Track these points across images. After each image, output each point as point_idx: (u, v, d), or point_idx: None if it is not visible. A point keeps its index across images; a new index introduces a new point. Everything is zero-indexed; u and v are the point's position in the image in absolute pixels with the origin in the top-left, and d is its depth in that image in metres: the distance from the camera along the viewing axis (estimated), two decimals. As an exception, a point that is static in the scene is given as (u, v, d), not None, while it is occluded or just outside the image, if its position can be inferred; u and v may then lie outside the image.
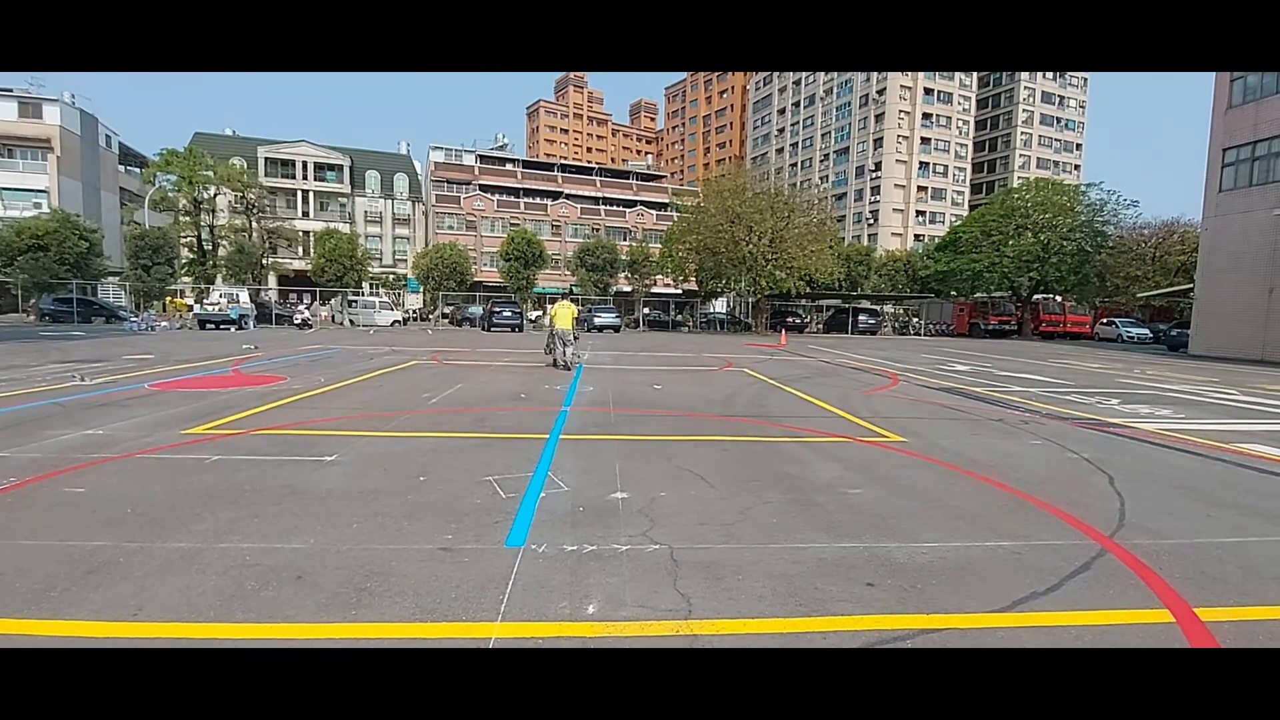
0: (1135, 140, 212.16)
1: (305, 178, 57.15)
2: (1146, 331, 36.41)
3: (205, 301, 31.12)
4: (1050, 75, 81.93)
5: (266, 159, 55.70)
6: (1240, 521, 4.46)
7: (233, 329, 28.55)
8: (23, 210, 41.49)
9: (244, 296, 32.07)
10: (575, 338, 14.61)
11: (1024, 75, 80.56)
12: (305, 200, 57.10)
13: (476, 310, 39.44)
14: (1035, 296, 42.93)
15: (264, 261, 42.85)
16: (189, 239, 41.45)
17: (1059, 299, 44.16)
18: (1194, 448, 7.02)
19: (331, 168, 58.00)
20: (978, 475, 5.52)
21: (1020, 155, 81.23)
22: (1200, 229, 27.44)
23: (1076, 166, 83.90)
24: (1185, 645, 2.75)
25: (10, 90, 45.76)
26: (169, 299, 32.43)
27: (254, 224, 43.84)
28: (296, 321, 33.06)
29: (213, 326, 28.84)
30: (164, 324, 30.47)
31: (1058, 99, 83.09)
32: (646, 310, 45.30)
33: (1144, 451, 6.81)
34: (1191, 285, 28.67)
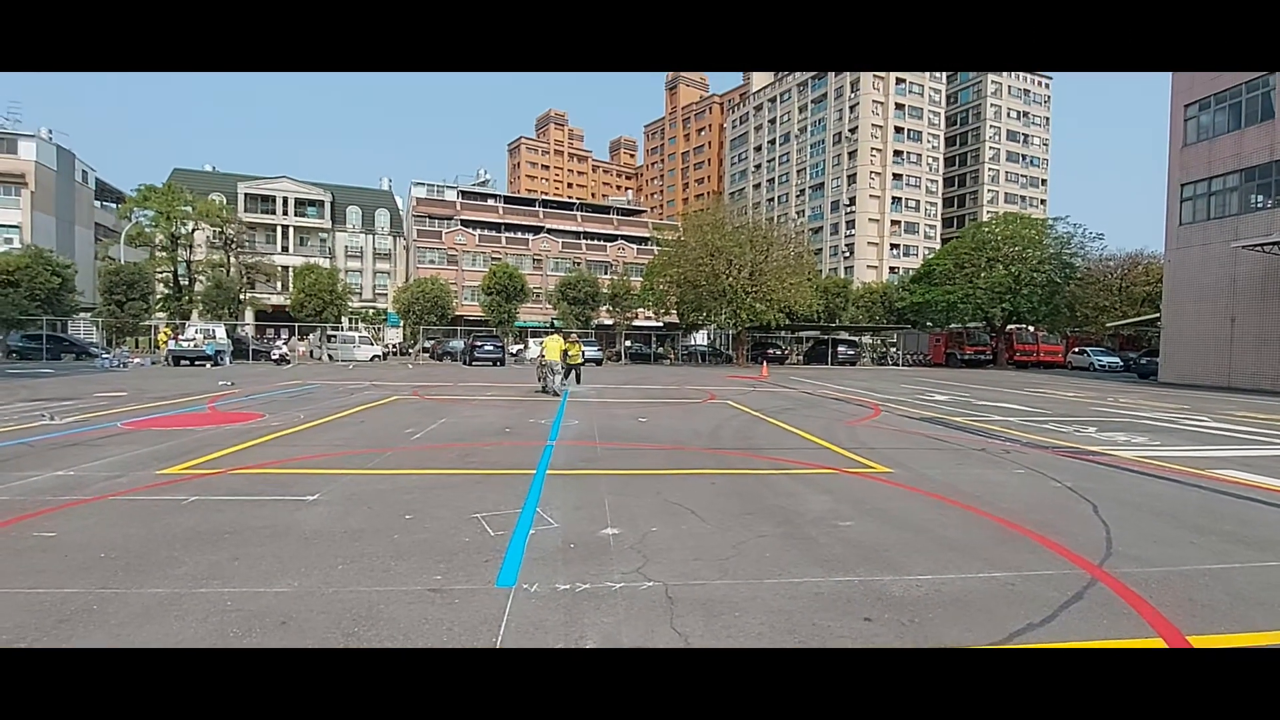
0: (1095, 177, 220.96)
1: (286, 213, 57.02)
2: (1117, 360, 37.33)
3: (180, 337, 30.46)
4: (1013, 114, 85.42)
5: (246, 194, 55.57)
6: (1222, 548, 4.54)
7: (208, 365, 28.01)
8: (-7, 246, 40.74)
9: (220, 332, 31.50)
10: (563, 368, 16.61)
11: (989, 114, 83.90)
12: (285, 235, 56.88)
13: (458, 344, 39.20)
14: (1009, 327, 43.90)
15: (241, 296, 42.38)
16: (165, 274, 40.94)
17: (1032, 329, 45.19)
18: (1171, 474, 7.16)
19: (312, 203, 57.99)
20: (966, 505, 5.56)
21: (988, 190, 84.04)
22: (1164, 260, 28.44)
23: (1042, 201, 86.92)
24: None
25: (-16, 127, 45.37)
26: (163, 330, 31.76)
27: (232, 259, 43.48)
28: (274, 357, 32.54)
29: (187, 363, 28.25)
30: (136, 360, 29.79)
31: (1022, 137, 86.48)
32: (628, 343, 45.42)
33: (1124, 479, 6.92)
34: (1158, 315, 29.59)
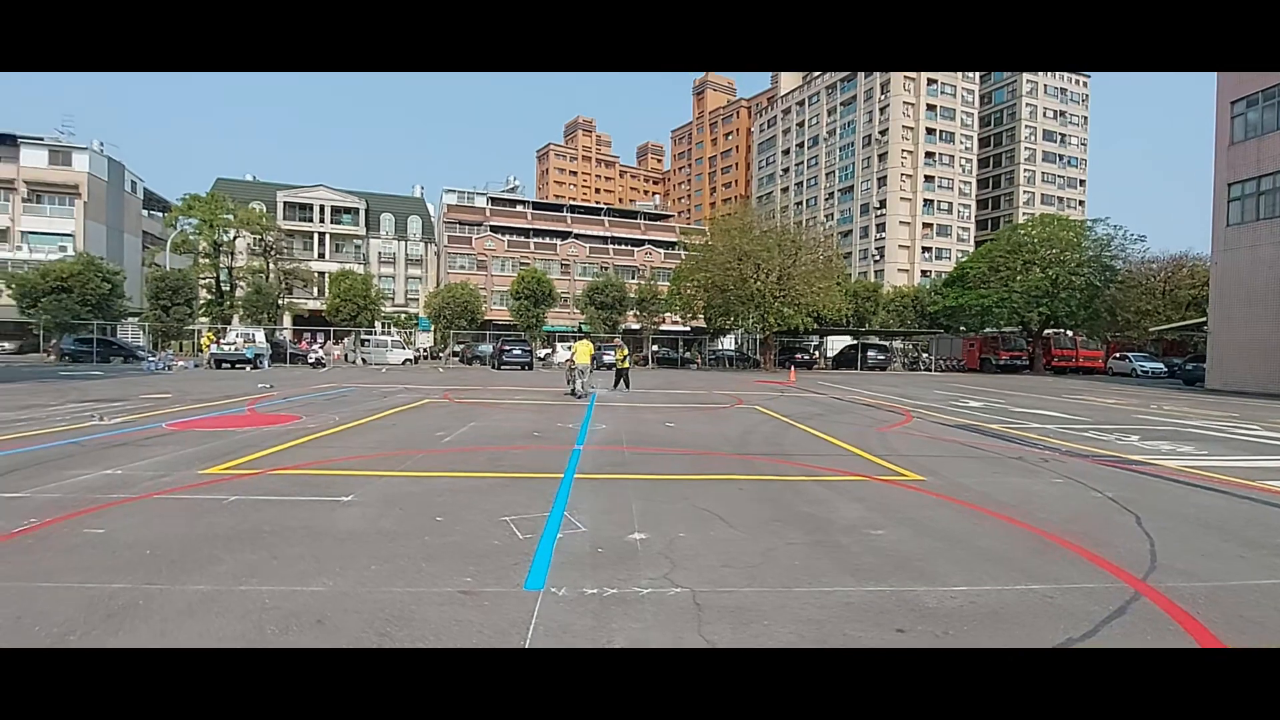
0: (1137, 177, 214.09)
1: (322, 220, 58.45)
2: (1161, 366, 36.03)
3: (222, 341, 31.47)
4: (1050, 113, 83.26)
5: (285, 203, 57.12)
6: (1274, 562, 4.35)
7: (248, 368, 28.83)
8: (48, 253, 42.63)
9: (260, 336, 32.43)
10: (590, 371, 17.29)
11: (1025, 114, 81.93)
12: (322, 242, 58.31)
13: (487, 348, 39.64)
14: (1046, 331, 42.74)
15: (280, 302, 43.56)
16: (208, 280, 42.32)
17: (1070, 334, 43.90)
18: (1219, 485, 6.88)
19: (347, 211, 59.34)
20: (1002, 515, 5.43)
21: (1024, 192, 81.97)
22: (1210, 263, 27.40)
23: (1081, 202, 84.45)
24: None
25: (41, 139, 47.47)
26: (208, 335, 32.95)
27: (271, 265, 44.74)
28: (310, 360, 33.36)
29: (229, 366, 29.12)
30: (180, 363, 30.82)
31: (1059, 136, 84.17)
32: (655, 347, 45.43)
33: (1169, 490, 6.68)
34: (1204, 319, 28.48)
